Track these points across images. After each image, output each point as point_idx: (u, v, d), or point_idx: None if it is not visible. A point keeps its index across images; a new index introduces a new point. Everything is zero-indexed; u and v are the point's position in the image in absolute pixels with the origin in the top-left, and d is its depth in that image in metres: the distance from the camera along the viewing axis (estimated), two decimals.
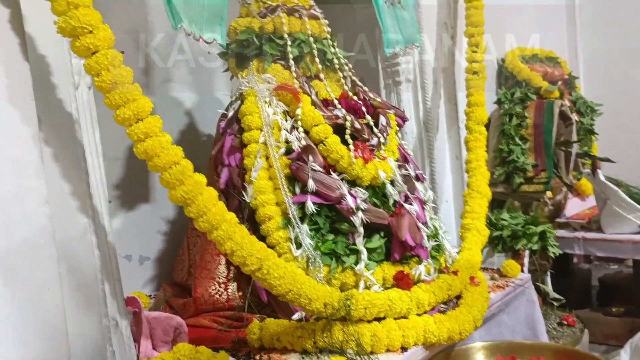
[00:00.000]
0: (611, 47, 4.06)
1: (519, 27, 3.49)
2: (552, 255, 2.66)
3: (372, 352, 1.70)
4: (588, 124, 3.61)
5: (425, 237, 2.01)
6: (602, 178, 3.04)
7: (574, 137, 3.03)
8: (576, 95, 3.69)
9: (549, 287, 2.85)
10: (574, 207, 3.67)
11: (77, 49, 1.34)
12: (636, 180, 3.51)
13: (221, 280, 2.01)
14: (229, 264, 2.01)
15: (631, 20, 4.10)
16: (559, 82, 3.62)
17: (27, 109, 1.40)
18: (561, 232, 3.26)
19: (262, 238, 1.77)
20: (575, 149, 3.05)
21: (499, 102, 3.23)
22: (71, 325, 1.49)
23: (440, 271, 2.05)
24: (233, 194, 1.95)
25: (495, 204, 3.00)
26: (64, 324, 1.47)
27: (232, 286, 2.01)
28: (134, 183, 2.47)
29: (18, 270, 1.38)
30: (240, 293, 2.00)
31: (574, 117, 3.43)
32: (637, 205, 3.01)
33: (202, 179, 1.50)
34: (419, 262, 1.98)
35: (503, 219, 2.68)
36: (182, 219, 2.57)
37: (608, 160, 3.14)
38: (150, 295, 2.39)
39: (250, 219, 1.91)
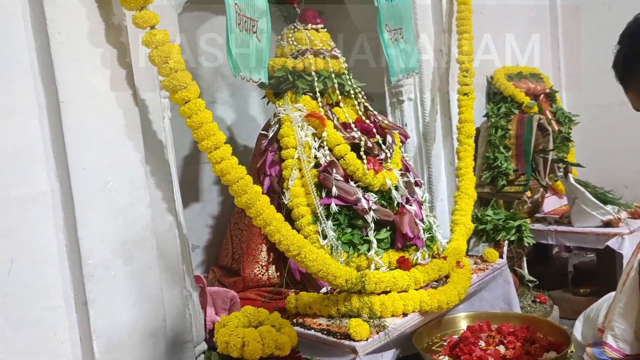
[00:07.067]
0: (590, 63, 4.37)
1: (508, 47, 3.78)
2: (526, 245, 3.05)
3: (380, 317, 2.08)
4: (566, 132, 3.95)
5: (422, 231, 2.46)
6: (572, 180, 3.39)
7: (550, 146, 3.40)
8: (556, 107, 4.02)
9: (524, 271, 3.25)
10: (552, 204, 3.98)
11: (175, 99, 1.83)
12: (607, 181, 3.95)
13: (263, 264, 2.48)
14: (269, 250, 2.48)
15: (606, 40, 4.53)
16: (541, 96, 3.96)
17: (137, 139, 1.88)
18: (537, 226, 3.57)
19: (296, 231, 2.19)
20: (551, 155, 3.43)
21: (487, 115, 3.61)
22: (164, 294, 1.97)
23: (433, 257, 2.46)
24: (273, 197, 2.42)
25: (482, 202, 3.41)
26: (161, 293, 1.96)
27: (272, 268, 2.48)
28: (188, 186, 2.94)
29: (132, 255, 1.87)
30: (278, 273, 2.47)
31: (553, 126, 3.82)
32: (600, 204, 3.37)
33: (258, 189, 1.98)
34: (417, 249, 2.42)
35: (487, 215, 3.07)
36: (224, 215, 3.06)
37: (579, 165, 3.51)
38: (202, 276, 2.90)
39: (287, 217, 2.31)
